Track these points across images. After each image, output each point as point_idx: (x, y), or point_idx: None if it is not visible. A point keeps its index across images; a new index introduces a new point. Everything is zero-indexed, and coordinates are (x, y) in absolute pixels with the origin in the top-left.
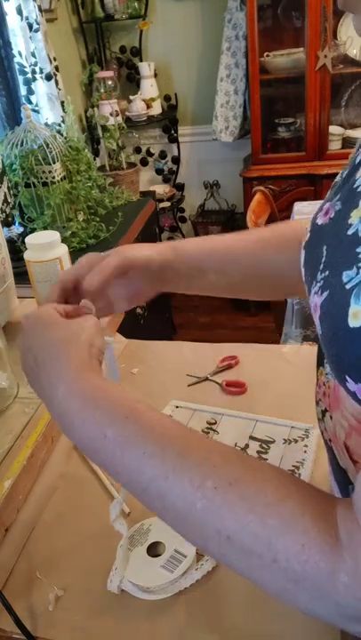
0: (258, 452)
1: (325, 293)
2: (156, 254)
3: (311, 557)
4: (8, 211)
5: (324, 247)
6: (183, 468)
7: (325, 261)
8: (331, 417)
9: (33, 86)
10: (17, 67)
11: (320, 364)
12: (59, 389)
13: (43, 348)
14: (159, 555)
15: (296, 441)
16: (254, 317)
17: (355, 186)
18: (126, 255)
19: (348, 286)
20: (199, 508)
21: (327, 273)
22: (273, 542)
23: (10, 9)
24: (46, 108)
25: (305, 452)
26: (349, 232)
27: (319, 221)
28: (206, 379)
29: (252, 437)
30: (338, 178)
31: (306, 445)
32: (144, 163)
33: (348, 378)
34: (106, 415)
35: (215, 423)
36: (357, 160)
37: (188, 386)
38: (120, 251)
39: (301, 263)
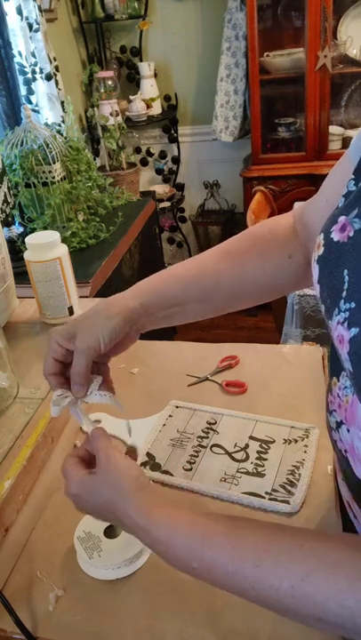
0: (258, 451)
1: (354, 330)
2: (122, 319)
3: None
4: (8, 211)
5: (346, 271)
6: (261, 578)
7: (349, 289)
8: (348, 430)
9: (33, 86)
10: (17, 67)
11: (333, 374)
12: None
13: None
14: (117, 535)
15: (296, 441)
16: (254, 317)
17: None
18: (90, 346)
19: None
20: (287, 604)
21: (353, 305)
22: (357, 620)
23: (10, 9)
24: (46, 108)
25: (305, 452)
26: None
27: (335, 237)
28: (206, 379)
29: (252, 437)
30: (352, 186)
31: (306, 445)
32: (144, 163)
33: None
34: (186, 547)
35: (215, 423)
36: None
37: (188, 386)
38: (84, 338)
39: (315, 278)
